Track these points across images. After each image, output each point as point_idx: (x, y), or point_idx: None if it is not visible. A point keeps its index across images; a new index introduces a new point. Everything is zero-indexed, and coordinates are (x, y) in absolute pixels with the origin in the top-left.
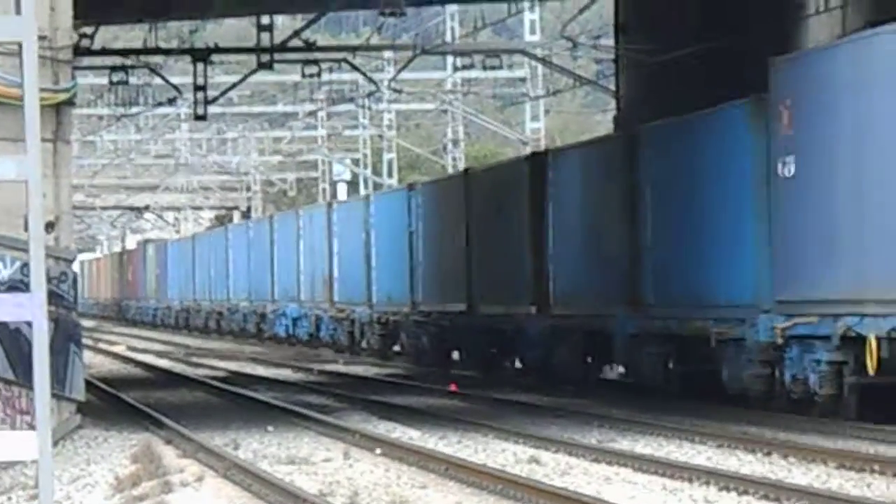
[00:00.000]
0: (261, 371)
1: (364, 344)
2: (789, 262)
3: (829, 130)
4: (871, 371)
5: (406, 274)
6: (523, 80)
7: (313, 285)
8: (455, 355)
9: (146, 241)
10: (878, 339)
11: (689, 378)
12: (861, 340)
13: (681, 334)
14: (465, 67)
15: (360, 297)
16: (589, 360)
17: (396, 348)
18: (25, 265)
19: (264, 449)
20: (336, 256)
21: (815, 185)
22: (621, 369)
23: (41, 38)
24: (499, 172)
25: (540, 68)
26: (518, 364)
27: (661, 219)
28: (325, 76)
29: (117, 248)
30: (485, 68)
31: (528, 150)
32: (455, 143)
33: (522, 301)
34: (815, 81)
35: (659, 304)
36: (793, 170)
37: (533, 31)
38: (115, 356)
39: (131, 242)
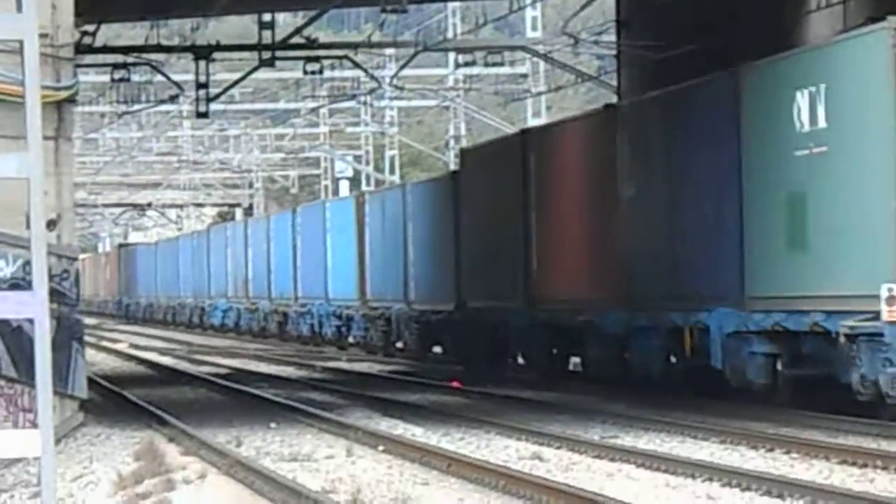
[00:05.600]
0: (263, 368)
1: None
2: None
3: None
4: None
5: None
6: (525, 76)
7: (236, 285)
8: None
9: (120, 245)
10: None
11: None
12: None
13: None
14: (466, 64)
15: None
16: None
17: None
18: (27, 263)
19: (267, 446)
20: (251, 263)
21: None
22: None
23: (42, 35)
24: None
25: (542, 64)
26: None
27: (419, 247)
28: (327, 73)
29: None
30: (486, 65)
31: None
32: (457, 139)
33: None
34: None
35: (417, 301)
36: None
37: (534, 28)
38: (119, 353)
39: (134, 240)
